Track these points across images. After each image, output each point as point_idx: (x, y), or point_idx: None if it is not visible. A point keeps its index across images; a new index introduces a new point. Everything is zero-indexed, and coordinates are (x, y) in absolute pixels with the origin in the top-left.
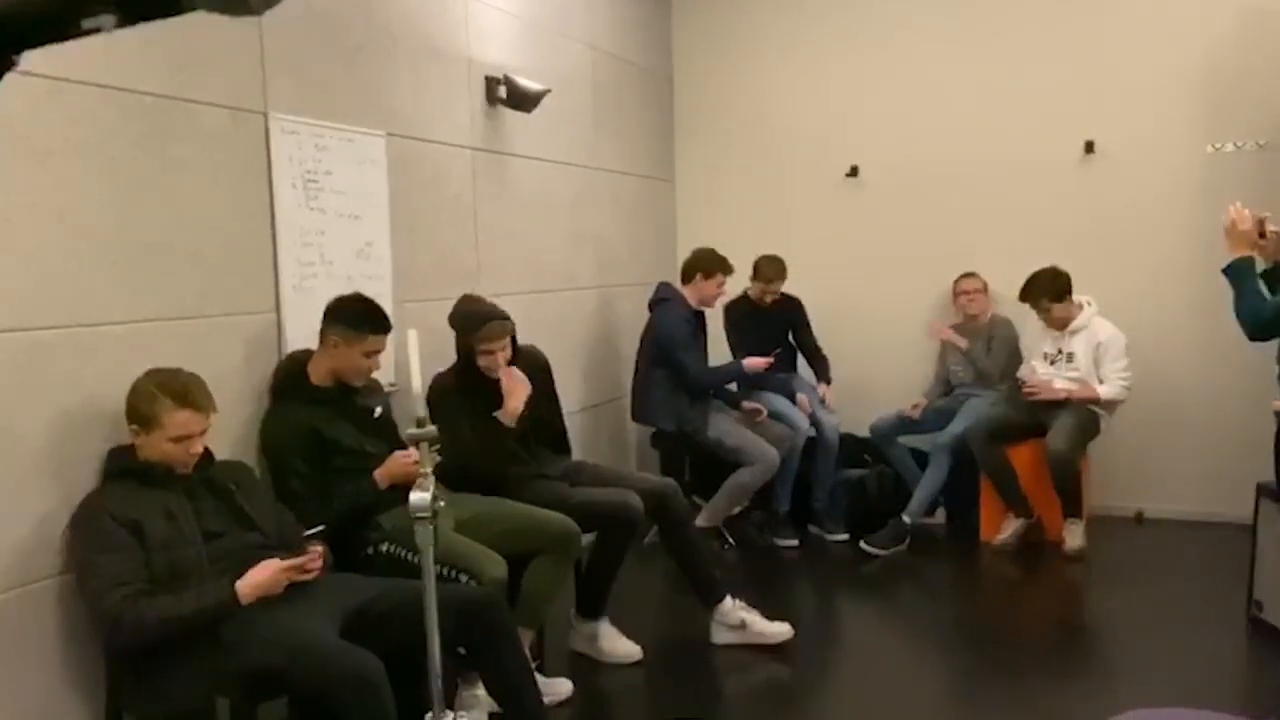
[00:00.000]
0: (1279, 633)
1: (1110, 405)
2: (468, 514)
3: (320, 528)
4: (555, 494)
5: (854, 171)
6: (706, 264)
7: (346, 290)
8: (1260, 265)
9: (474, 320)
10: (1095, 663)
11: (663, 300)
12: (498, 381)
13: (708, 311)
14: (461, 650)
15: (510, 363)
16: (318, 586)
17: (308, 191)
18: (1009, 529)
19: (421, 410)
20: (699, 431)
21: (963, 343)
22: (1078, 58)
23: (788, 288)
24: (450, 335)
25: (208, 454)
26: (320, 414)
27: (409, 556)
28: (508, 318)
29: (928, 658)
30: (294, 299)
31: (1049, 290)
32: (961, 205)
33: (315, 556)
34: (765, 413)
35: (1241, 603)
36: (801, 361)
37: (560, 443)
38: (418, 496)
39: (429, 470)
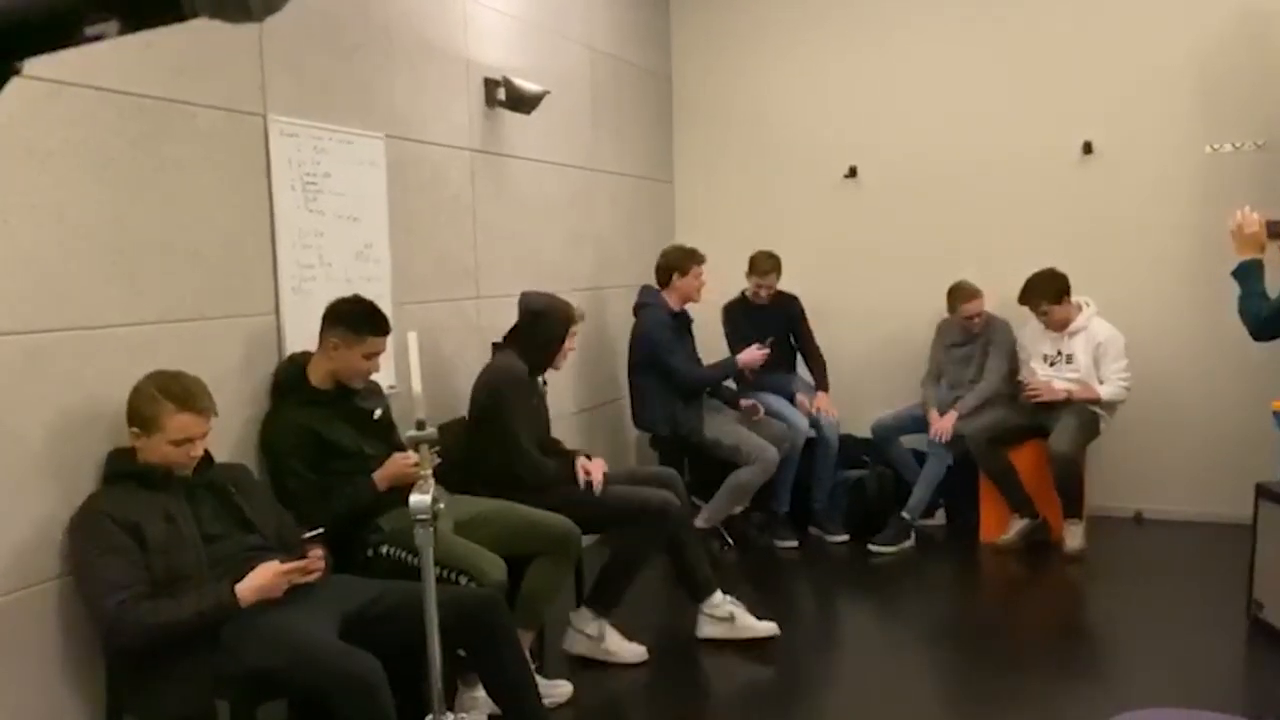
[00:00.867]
0: (1279, 633)
1: (1110, 406)
2: (467, 516)
3: (320, 530)
4: (580, 494)
5: (853, 172)
6: (679, 261)
7: (346, 292)
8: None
9: (566, 311)
10: (1095, 663)
11: (644, 305)
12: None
13: (702, 307)
14: (461, 652)
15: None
16: (317, 588)
17: (307, 193)
18: (1014, 529)
19: (422, 412)
20: (695, 432)
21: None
22: (1076, 58)
23: (787, 286)
24: (452, 336)
25: (207, 456)
26: (320, 416)
27: (408, 558)
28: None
29: (928, 658)
30: (293, 301)
31: (1047, 292)
32: (960, 206)
33: (316, 559)
34: (763, 411)
35: (1241, 603)
36: (801, 362)
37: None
38: (417, 498)
39: (428, 472)
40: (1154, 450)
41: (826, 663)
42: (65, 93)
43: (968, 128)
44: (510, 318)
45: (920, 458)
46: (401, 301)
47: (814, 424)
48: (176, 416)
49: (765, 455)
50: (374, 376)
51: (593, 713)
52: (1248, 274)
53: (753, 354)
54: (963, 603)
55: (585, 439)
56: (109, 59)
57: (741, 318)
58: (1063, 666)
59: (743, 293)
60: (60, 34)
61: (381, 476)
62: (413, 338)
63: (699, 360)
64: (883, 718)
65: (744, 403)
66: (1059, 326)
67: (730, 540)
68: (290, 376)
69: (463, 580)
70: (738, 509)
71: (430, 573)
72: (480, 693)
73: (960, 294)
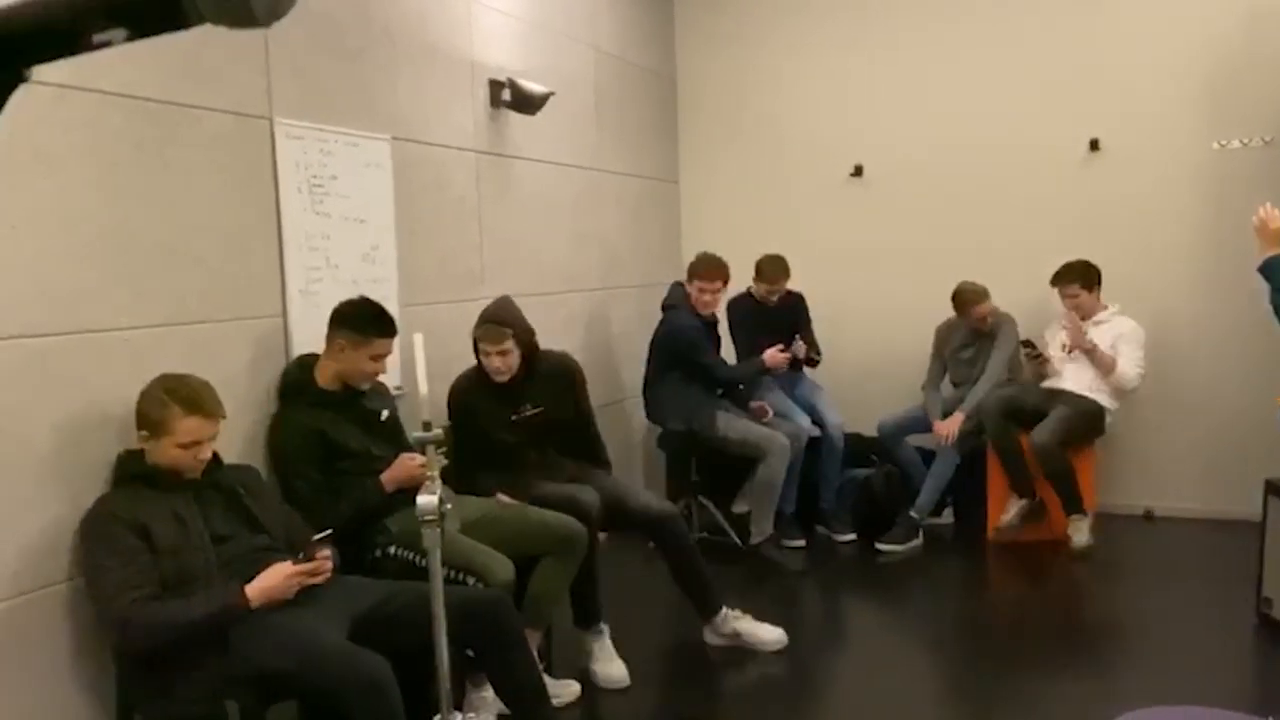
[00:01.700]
0: None
1: (1119, 393)
2: (474, 516)
3: (329, 531)
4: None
5: (858, 171)
6: (693, 269)
7: (352, 294)
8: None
9: (479, 320)
10: (1104, 660)
11: (672, 306)
12: (507, 384)
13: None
14: (469, 652)
15: (526, 369)
16: (326, 590)
17: (313, 196)
18: (1013, 509)
19: (428, 413)
20: (706, 429)
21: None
22: (1082, 56)
23: (792, 285)
24: (459, 337)
25: (216, 458)
26: (327, 417)
27: (416, 559)
28: (514, 325)
29: (936, 656)
30: (300, 303)
31: (1082, 276)
32: (966, 204)
33: (325, 561)
34: (771, 413)
35: (1251, 600)
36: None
37: (590, 451)
38: (425, 499)
39: (435, 473)
40: (1163, 448)
41: (835, 662)
42: (71, 97)
43: (973, 125)
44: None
45: (927, 457)
46: (408, 303)
47: (819, 423)
48: (184, 420)
49: (775, 444)
50: (380, 378)
51: (601, 713)
52: (1274, 269)
53: (776, 357)
54: (971, 601)
55: None
56: (115, 63)
57: (748, 315)
58: (1072, 664)
59: (748, 290)
60: (68, 41)
61: (389, 478)
62: (419, 339)
63: (723, 360)
64: (891, 716)
65: (753, 404)
66: (1085, 314)
67: (739, 540)
68: (297, 378)
69: (470, 581)
70: (773, 505)
71: (438, 573)
72: (488, 693)
73: (968, 298)
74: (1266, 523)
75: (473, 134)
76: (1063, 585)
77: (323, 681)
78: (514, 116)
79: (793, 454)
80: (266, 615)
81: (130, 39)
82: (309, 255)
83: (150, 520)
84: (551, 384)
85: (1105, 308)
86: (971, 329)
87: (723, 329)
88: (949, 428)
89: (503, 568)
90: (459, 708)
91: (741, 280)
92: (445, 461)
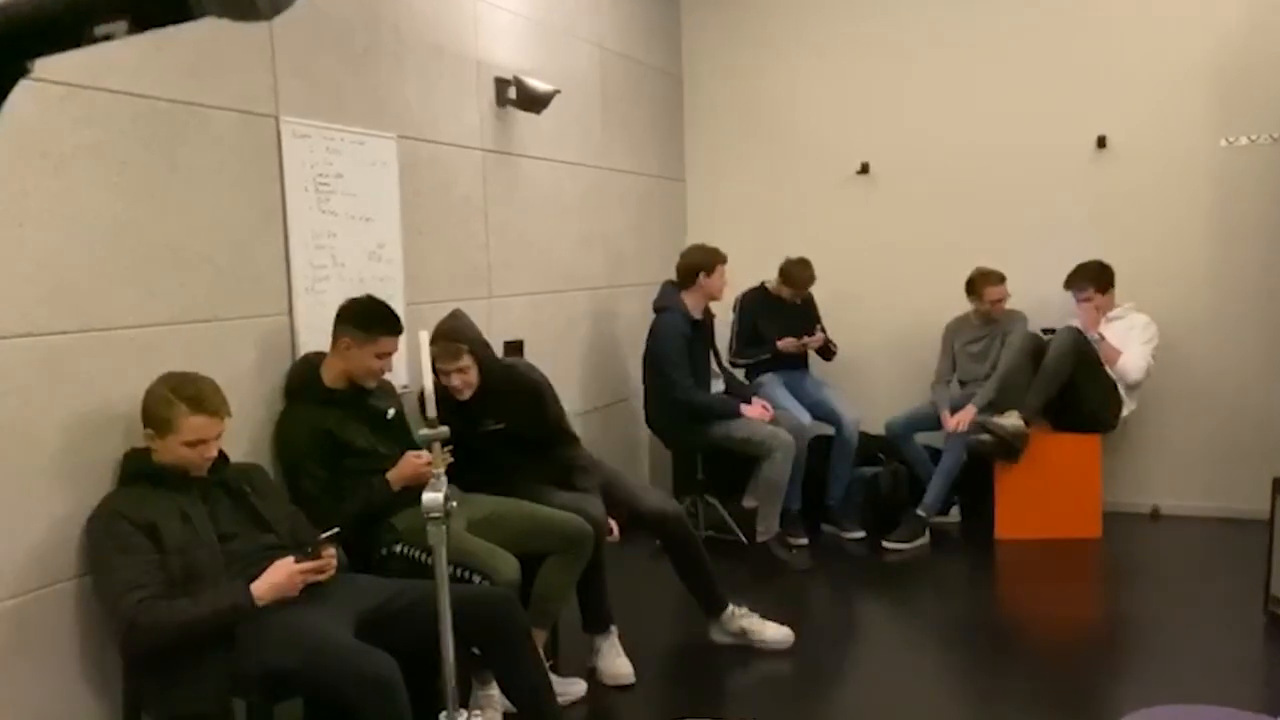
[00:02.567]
0: None
1: (1130, 390)
2: (480, 514)
3: (336, 529)
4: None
5: (865, 168)
6: (707, 259)
7: (358, 292)
8: None
9: (432, 337)
10: (1111, 659)
11: (663, 309)
12: (468, 401)
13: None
14: (475, 650)
15: (483, 384)
16: (332, 587)
17: (319, 194)
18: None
19: (433, 411)
20: (703, 432)
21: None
22: (1089, 53)
23: None
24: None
25: (222, 456)
26: (333, 415)
27: (422, 557)
28: (469, 341)
29: (943, 655)
30: (306, 301)
31: (1095, 278)
32: (972, 201)
33: (330, 559)
34: (771, 413)
35: (1259, 599)
36: (813, 357)
37: (566, 472)
38: (430, 497)
39: (441, 471)
40: (1171, 445)
41: (841, 660)
42: (78, 95)
43: (980, 123)
44: (521, 318)
45: (936, 455)
46: (413, 301)
47: (833, 419)
48: (190, 418)
49: (779, 440)
50: (386, 376)
51: (608, 711)
52: None
53: (758, 411)
54: (978, 600)
55: (596, 438)
56: (121, 61)
57: (761, 311)
58: (1079, 663)
59: (762, 284)
60: (70, 34)
61: (395, 476)
62: (425, 337)
63: (709, 374)
64: (898, 714)
65: (753, 411)
66: (1100, 313)
67: (743, 536)
68: (304, 376)
69: (476, 579)
70: (779, 503)
71: (443, 571)
72: (495, 691)
73: (984, 280)
74: (1275, 521)
75: (479, 132)
76: (1069, 584)
77: (329, 679)
78: (520, 115)
79: (795, 450)
80: (273, 613)
81: (132, 31)
82: (315, 253)
83: (157, 519)
84: (513, 400)
85: (1119, 306)
86: (982, 316)
87: (724, 320)
88: (962, 417)
89: (509, 566)
90: (465, 706)
91: (748, 275)
92: (451, 459)
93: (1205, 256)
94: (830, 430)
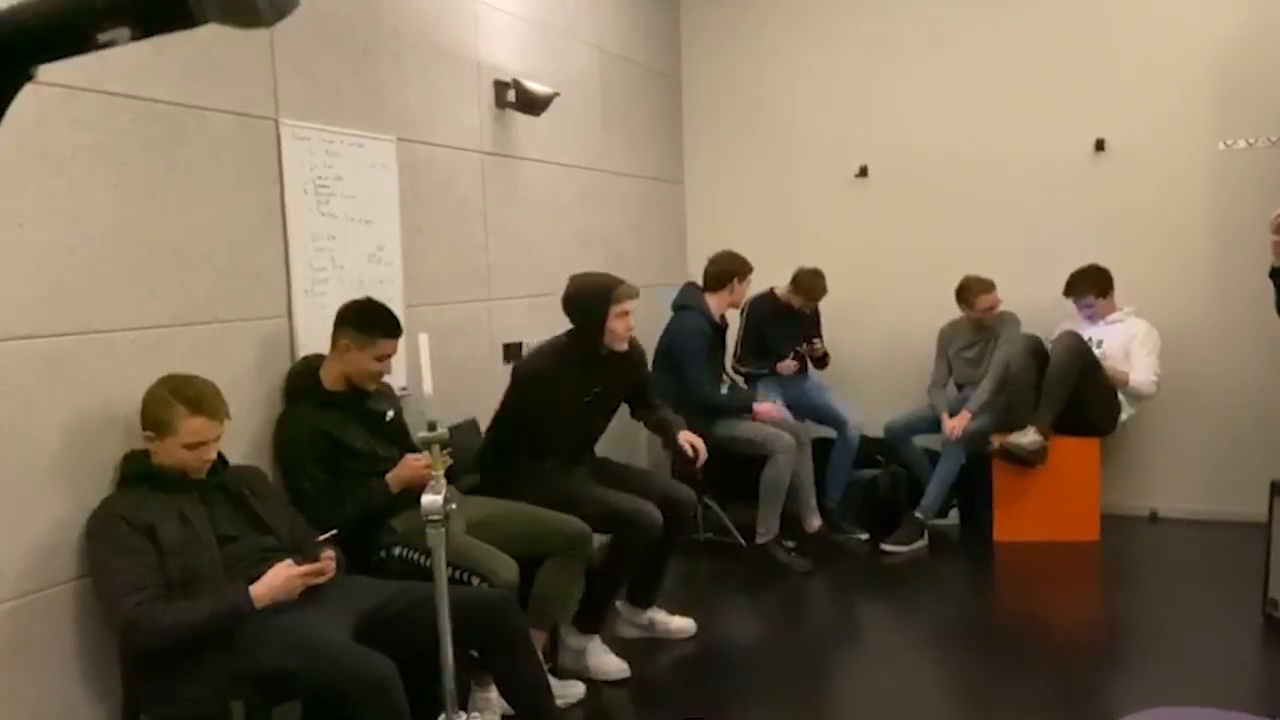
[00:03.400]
0: None
1: (1135, 397)
2: (479, 517)
3: (335, 531)
4: (568, 490)
5: (864, 171)
6: (741, 267)
7: (358, 294)
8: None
9: (609, 281)
10: (1109, 661)
11: (684, 307)
12: (609, 356)
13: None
14: (474, 652)
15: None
16: (331, 589)
17: (319, 196)
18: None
19: (433, 413)
20: (708, 432)
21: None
22: (1087, 56)
23: None
24: (464, 338)
25: (221, 458)
26: (332, 418)
27: (421, 559)
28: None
29: (941, 657)
30: (306, 303)
31: (1096, 284)
32: (971, 204)
33: (328, 561)
34: (782, 413)
35: (1257, 601)
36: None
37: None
38: (429, 499)
39: (440, 473)
40: (1169, 449)
41: (840, 662)
42: (78, 98)
43: (979, 126)
44: (520, 320)
45: (934, 457)
46: (413, 303)
47: (834, 422)
48: (189, 420)
49: (781, 442)
50: (386, 378)
51: (605, 713)
52: None
53: (768, 411)
54: (976, 602)
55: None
56: (121, 64)
57: (769, 317)
58: (1077, 665)
59: (772, 289)
60: (73, 40)
61: (394, 478)
62: (424, 340)
63: (720, 377)
64: (897, 715)
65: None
66: (1099, 318)
67: (742, 539)
68: (303, 379)
69: (475, 581)
70: (779, 506)
71: (442, 574)
72: (493, 693)
73: (974, 289)
74: (1272, 524)
75: (478, 135)
76: (1068, 586)
77: (327, 681)
78: (519, 117)
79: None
80: (272, 615)
81: (135, 38)
82: (315, 256)
83: (156, 521)
84: (626, 359)
85: (1118, 309)
86: (975, 322)
87: (729, 332)
88: (957, 423)
89: (507, 568)
90: (463, 708)
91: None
92: (450, 462)
93: (1204, 260)
94: (830, 433)
